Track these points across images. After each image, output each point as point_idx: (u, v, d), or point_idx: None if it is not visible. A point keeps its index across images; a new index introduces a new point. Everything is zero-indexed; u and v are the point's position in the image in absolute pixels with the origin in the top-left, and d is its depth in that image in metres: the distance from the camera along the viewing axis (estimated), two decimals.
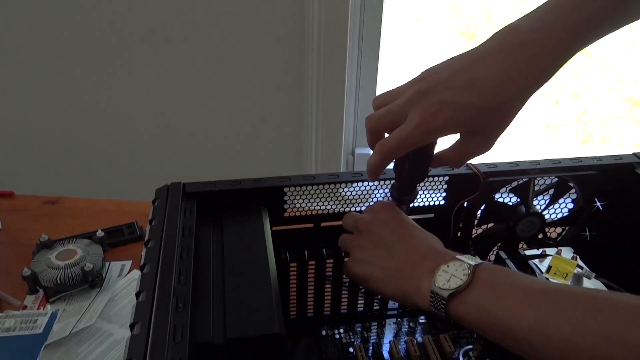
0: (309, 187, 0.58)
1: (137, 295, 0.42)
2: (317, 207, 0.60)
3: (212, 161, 1.45)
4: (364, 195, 0.62)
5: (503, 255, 0.54)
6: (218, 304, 0.44)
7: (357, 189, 0.60)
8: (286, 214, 0.60)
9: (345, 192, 0.62)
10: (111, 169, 1.50)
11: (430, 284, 0.43)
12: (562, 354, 0.35)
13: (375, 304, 0.68)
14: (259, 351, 0.44)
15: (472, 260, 0.43)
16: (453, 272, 0.42)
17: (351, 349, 0.63)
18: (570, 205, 0.64)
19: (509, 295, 0.39)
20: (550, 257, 0.51)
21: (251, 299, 0.44)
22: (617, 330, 0.33)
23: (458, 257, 0.44)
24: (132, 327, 0.39)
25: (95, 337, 0.66)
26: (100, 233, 0.79)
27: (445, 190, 0.61)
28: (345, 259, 0.54)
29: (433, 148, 0.49)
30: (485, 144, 0.47)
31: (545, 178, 0.61)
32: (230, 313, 0.43)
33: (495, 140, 0.47)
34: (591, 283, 0.50)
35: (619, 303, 0.35)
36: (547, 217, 0.63)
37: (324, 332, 0.66)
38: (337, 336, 0.66)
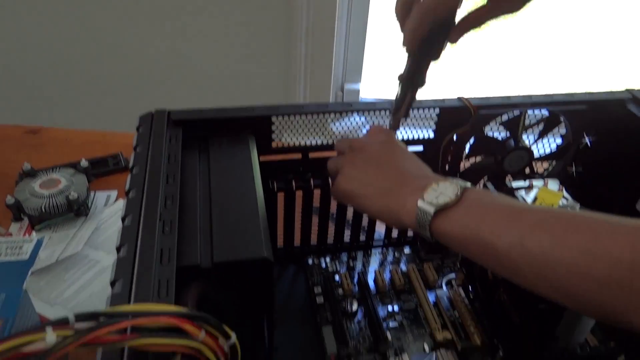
0: (298, 117, 0.57)
1: (123, 219, 0.41)
2: (306, 138, 0.59)
3: (198, 91, 1.42)
4: (353, 130, 0.61)
5: (490, 186, 0.54)
6: (205, 229, 0.44)
7: (345, 123, 0.59)
8: (274, 144, 0.59)
9: (334, 127, 0.61)
10: (94, 98, 1.46)
11: (418, 200, 0.43)
12: (540, 269, 0.36)
13: (361, 235, 0.69)
14: (246, 276, 0.45)
15: (462, 183, 0.43)
16: (443, 190, 0.43)
17: (337, 277, 0.65)
18: (559, 141, 0.64)
19: (494, 213, 0.40)
20: (537, 189, 0.52)
21: (238, 225, 0.44)
22: (594, 245, 0.34)
23: (448, 179, 0.44)
24: (118, 249, 0.39)
25: (83, 263, 0.66)
26: (84, 163, 0.78)
27: (435, 123, 0.61)
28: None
29: (454, 20, 0.48)
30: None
31: (536, 112, 0.61)
32: (217, 238, 0.43)
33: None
34: None
35: (598, 220, 0.35)
36: (535, 152, 0.63)
37: (310, 261, 0.67)
38: (324, 265, 0.67)
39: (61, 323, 0.29)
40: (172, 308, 0.34)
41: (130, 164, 0.47)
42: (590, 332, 0.59)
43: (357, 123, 0.60)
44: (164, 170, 0.46)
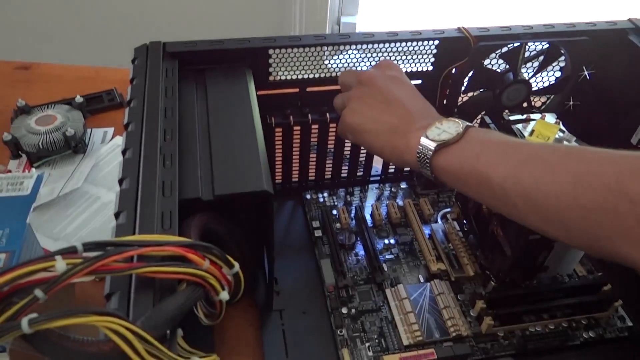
0: (295, 49, 0.56)
1: (124, 152, 0.42)
2: (303, 72, 0.58)
3: (191, 25, 1.38)
4: (351, 65, 0.60)
5: (487, 119, 0.54)
6: (205, 163, 0.44)
7: (343, 58, 0.58)
8: (271, 78, 0.58)
9: (331, 63, 0.60)
10: (86, 33, 1.42)
11: (421, 137, 0.44)
12: (532, 200, 0.38)
13: (359, 170, 0.70)
14: (247, 208, 0.45)
15: (466, 123, 0.44)
16: (445, 128, 0.44)
17: (335, 212, 0.66)
18: (558, 74, 0.64)
19: (491, 148, 0.41)
20: (534, 122, 0.52)
21: (238, 158, 0.45)
22: (583, 174, 0.35)
23: (453, 118, 0.45)
24: (120, 182, 0.39)
25: (84, 199, 0.67)
26: (79, 99, 0.77)
27: (434, 56, 0.60)
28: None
29: None
30: None
31: (536, 43, 0.60)
32: (217, 171, 0.43)
33: None
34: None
35: (588, 151, 0.37)
36: (533, 85, 0.62)
37: (308, 196, 0.68)
38: (321, 200, 0.68)
39: (70, 252, 0.30)
40: (177, 238, 0.35)
41: (128, 97, 0.47)
42: (580, 263, 0.61)
43: (356, 56, 0.59)
44: (162, 103, 0.46)
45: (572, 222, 0.36)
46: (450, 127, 0.44)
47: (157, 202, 0.38)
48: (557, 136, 0.51)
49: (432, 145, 0.43)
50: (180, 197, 0.40)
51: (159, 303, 0.31)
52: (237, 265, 0.37)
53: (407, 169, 0.71)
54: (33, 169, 0.68)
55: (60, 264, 0.29)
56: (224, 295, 0.35)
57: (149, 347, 0.28)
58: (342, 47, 0.58)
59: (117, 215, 0.37)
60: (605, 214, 0.34)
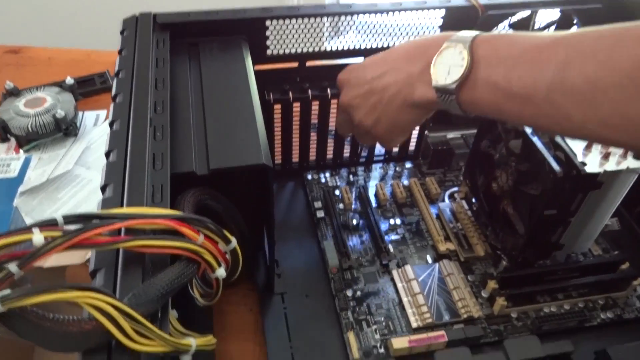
0: (293, 20, 0.53)
1: (111, 124, 0.39)
2: (302, 44, 0.56)
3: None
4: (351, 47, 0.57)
5: None
6: (199, 137, 0.41)
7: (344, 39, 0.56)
8: (269, 52, 0.55)
9: (331, 46, 0.57)
10: (79, 15, 1.39)
11: (432, 88, 0.40)
12: (588, 101, 0.32)
13: (361, 151, 0.67)
14: (245, 184, 0.43)
15: (463, 39, 0.38)
16: (449, 61, 0.39)
17: (337, 192, 0.63)
18: None
19: (519, 61, 0.36)
20: None
21: (235, 132, 0.42)
22: None
23: (447, 42, 0.39)
24: (107, 154, 0.37)
25: (75, 183, 0.64)
26: (69, 80, 0.74)
27: (439, 27, 0.57)
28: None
29: None
30: None
31: (547, 12, 0.57)
32: (212, 145, 0.41)
33: None
34: None
35: (629, 30, 0.31)
36: None
37: (309, 177, 0.65)
38: (323, 180, 0.65)
39: (49, 224, 0.27)
40: (169, 211, 0.32)
41: (116, 68, 0.44)
42: (595, 242, 0.58)
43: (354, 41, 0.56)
44: (152, 74, 0.43)
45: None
46: (454, 57, 0.38)
47: (147, 175, 0.35)
48: None
49: (450, 87, 0.38)
50: (173, 171, 0.37)
51: (149, 279, 0.28)
52: (234, 241, 0.34)
53: (412, 148, 0.68)
54: (21, 151, 0.66)
55: (38, 237, 0.26)
56: (221, 272, 0.32)
57: (137, 325, 0.25)
58: (343, 20, 0.55)
59: (103, 189, 0.34)
60: None
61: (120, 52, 0.46)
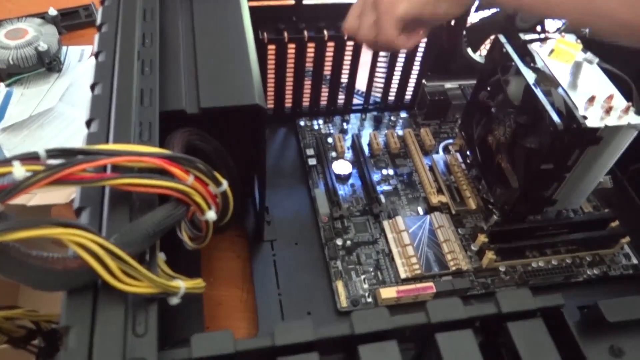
0: None
1: (96, 55, 0.37)
2: None
3: None
4: None
5: (502, 39, 0.49)
6: (189, 74, 0.39)
7: None
8: None
9: None
10: None
11: None
12: None
13: (355, 98, 0.65)
14: (236, 124, 0.41)
15: None
16: None
17: (330, 140, 0.62)
18: None
19: None
20: (552, 41, 0.47)
21: (227, 70, 0.40)
22: None
23: None
24: (92, 87, 0.35)
25: (59, 121, 0.62)
26: (52, 11, 0.70)
27: None
28: None
29: None
30: None
31: None
32: (204, 83, 0.39)
33: None
34: (592, 69, 0.46)
35: None
36: None
37: (302, 123, 0.63)
38: (316, 127, 0.63)
39: (31, 157, 0.26)
40: (157, 149, 0.30)
41: None
42: (586, 199, 0.58)
43: None
44: (141, 4, 0.40)
45: None
46: None
47: (134, 111, 0.33)
48: (578, 57, 0.47)
49: None
50: (161, 109, 0.35)
51: (136, 219, 0.27)
52: (225, 183, 0.33)
53: (408, 97, 0.66)
54: (2, 85, 0.63)
55: (19, 170, 0.25)
56: (211, 215, 0.31)
57: (123, 265, 0.24)
58: None
59: (88, 124, 0.32)
60: None
61: None
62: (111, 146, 0.30)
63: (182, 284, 0.27)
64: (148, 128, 0.33)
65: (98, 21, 0.39)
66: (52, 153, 0.27)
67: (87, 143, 0.31)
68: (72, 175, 0.26)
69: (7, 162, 0.25)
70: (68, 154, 0.27)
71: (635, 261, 0.54)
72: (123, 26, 0.38)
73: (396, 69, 0.62)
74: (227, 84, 0.39)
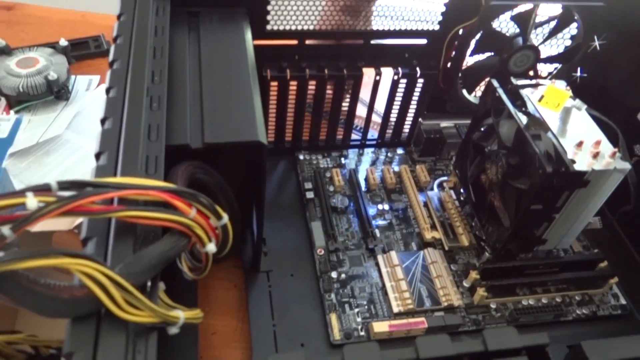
0: None
1: (107, 91, 0.38)
2: (303, 22, 0.55)
3: None
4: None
5: (495, 83, 0.52)
6: (195, 110, 0.41)
7: None
8: (269, 27, 0.55)
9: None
10: None
11: None
12: None
13: (354, 133, 0.67)
14: (238, 159, 0.43)
15: None
16: None
17: (328, 174, 0.63)
18: (568, 42, 0.61)
19: None
20: (543, 87, 0.49)
21: (231, 107, 0.42)
22: None
23: None
24: (102, 122, 0.36)
25: (65, 148, 0.64)
26: (63, 42, 0.72)
27: (441, 14, 0.57)
28: None
29: None
30: None
31: (549, 7, 0.57)
32: (208, 119, 0.40)
33: None
34: (581, 115, 0.48)
35: None
36: (542, 52, 0.60)
37: (301, 157, 0.65)
38: (315, 161, 0.65)
39: (43, 189, 0.27)
40: (162, 183, 0.32)
41: (114, 34, 0.43)
42: (576, 239, 0.59)
43: None
44: (151, 42, 0.42)
45: None
46: None
47: (141, 145, 0.35)
48: (567, 104, 0.49)
49: None
50: (167, 143, 0.37)
51: (140, 250, 0.28)
52: (225, 217, 0.34)
53: (405, 134, 0.68)
54: (12, 112, 0.65)
55: (32, 201, 0.26)
56: (211, 247, 0.32)
57: (127, 295, 0.26)
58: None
59: (97, 156, 0.34)
60: None
61: (119, 17, 0.45)
62: (119, 179, 0.31)
63: (182, 314, 0.29)
64: (154, 162, 0.34)
65: (110, 58, 0.41)
66: (63, 185, 0.28)
67: (96, 175, 0.32)
68: (81, 207, 0.27)
69: (21, 193, 0.27)
70: (78, 186, 0.29)
71: (623, 301, 0.55)
72: (134, 64, 0.40)
73: (394, 107, 0.64)
74: (230, 120, 0.41)
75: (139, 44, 0.42)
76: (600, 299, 0.55)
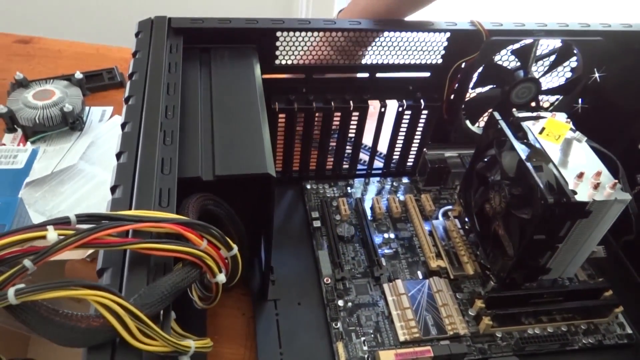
0: (303, 34, 0.55)
1: (123, 126, 0.40)
2: (310, 57, 0.57)
3: (195, 6, 1.35)
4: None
5: (497, 115, 0.53)
6: (206, 143, 0.43)
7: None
8: (277, 62, 0.57)
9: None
10: (87, 9, 1.40)
11: None
12: None
13: (360, 163, 0.68)
14: (248, 191, 0.44)
15: None
16: None
17: (334, 203, 0.65)
18: (569, 74, 0.62)
19: None
20: (544, 120, 0.51)
21: (241, 140, 0.43)
22: None
23: None
24: (118, 156, 0.38)
25: (79, 177, 0.65)
26: (78, 75, 0.75)
27: (444, 48, 0.59)
28: None
29: None
30: None
31: (549, 41, 0.59)
32: (219, 152, 0.42)
33: None
34: (581, 147, 0.50)
35: None
36: (543, 85, 0.61)
37: (308, 186, 0.66)
38: (322, 190, 0.66)
39: (62, 222, 0.29)
40: (175, 216, 0.33)
41: (130, 70, 0.45)
42: (581, 268, 0.60)
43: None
44: (165, 79, 0.44)
45: None
46: None
47: (155, 178, 0.36)
48: (568, 135, 0.50)
49: None
50: (180, 176, 0.38)
51: (154, 281, 0.30)
52: (235, 248, 0.35)
53: (410, 163, 0.69)
54: (28, 143, 0.67)
55: (52, 234, 0.27)
56: (221, 278, 0.34)
57: (141, 325, 0.27)
58: (351, 36, 0.56)
59: (113, 190, 0.35)
60: None
61: (134, 54, 0.47)
62: (134, 212, 0.33)
63: (193, 344, 0.30)
64: (167, 194, 0.36)
65: (126, 94, 0.43)
66: (81, 218, 0.30)
67: (112, 208, 0.34)
68: (98, 240, 0.29)
69: (42, 226, 0.28)
70: (95, 219, 0.30)
71: (629, 331, 0.55)
72: (148, 99, 0.42)
73: (399, 138, 0.65)
74: (240, 153, 0.42)
75: (153, 80, 0.44)
76: (605, 328, 0.55)
